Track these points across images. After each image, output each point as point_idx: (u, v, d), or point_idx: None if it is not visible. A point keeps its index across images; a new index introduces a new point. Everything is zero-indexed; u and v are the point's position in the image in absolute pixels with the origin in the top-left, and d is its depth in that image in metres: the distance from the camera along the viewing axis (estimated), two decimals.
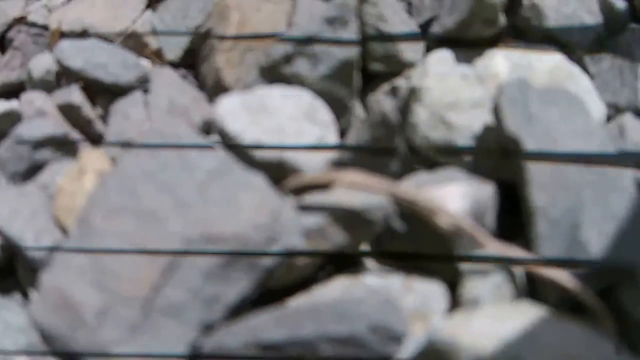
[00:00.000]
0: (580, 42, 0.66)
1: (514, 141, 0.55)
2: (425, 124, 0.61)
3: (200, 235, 0.50)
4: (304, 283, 0.55)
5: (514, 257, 0.51)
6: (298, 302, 0.52)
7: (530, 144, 0.54)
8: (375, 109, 0.57)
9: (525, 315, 0.48)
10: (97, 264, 0.50)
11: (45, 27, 0.82)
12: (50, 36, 0.79)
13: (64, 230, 0.60)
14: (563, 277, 0.50)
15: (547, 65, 0.63)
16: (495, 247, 0.51)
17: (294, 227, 0.52)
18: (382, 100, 0.58)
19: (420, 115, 0.62)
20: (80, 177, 0.61)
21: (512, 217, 0.57)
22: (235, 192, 0.53)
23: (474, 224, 0.52)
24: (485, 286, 0.52)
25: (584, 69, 0.66)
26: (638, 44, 0.66)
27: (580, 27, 0.66)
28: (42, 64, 0.76)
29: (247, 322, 0.50)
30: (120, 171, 0.54)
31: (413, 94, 0.63)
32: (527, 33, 0.67)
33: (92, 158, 0.63)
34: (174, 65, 0.76)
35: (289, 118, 0.60)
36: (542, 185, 0.53)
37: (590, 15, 0.67)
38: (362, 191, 0.54)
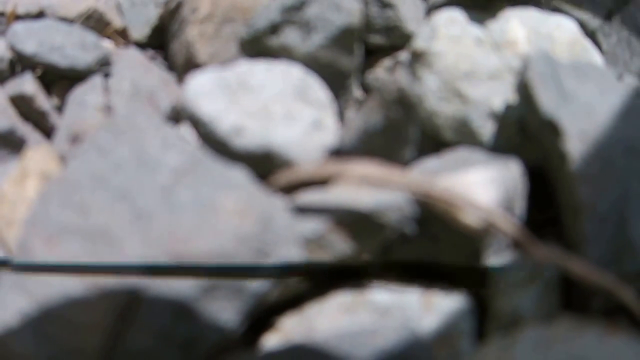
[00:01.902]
0: (592, 16, 0.63)
1: (550, 123, 0.50)
2: (436, 95, 0.56)
3: (168, 257, 0.42)
4: (297, 299, 0.49)
5: (561, 261, 0.47)
6: (292, 331, 0.47)
7: (569, 126, 0.50)
8: (389, 85, 0.52)
9: (573, 335, 0.45)
10: (40, 307, 0.42)
11: (1, 13, 0.78)
12: (5, 21, 0.76)
13: (8, 249, 0.54)
14: (609, 281, 0.46)
15: (566, 36, 0.60)
16: (537, 248, 0.47)
17: (289, 236, 0.45)
18: (397, 75, 0.56)
19: (430, 84, 0.57)
20: (22, 181, 0.55)
21: (538, 206, 0.53)
22: (211, 194, 0.45)
23: (509, 219, 0.47)
24: (524, 299, 0.47)
25: (596, 43, 0.63)
26: None
27: (591, 2, 0.64)
28: None
29: None
30: (65, 178, 0.46)
31: (420, 58, 0.58)
32: (540, 2, 0.63)
33: (36, 158, 0.57)
34: (141, 45, 0.73)
35: (277, 98, 0.54)
36: (587, 177, 0.48)
37: None
38: (372, 187, 0.48)
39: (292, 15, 0.60)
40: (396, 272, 0.49)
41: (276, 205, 0.46)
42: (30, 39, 0.68)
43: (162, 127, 0.49)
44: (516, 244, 0.48)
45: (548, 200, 0.52)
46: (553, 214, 0.52)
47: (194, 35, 0.66)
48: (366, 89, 0.63)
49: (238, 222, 0.44)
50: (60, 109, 0.67)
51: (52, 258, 0.43)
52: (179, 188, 0.45)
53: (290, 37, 0.60)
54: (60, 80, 0.68)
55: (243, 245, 0.43)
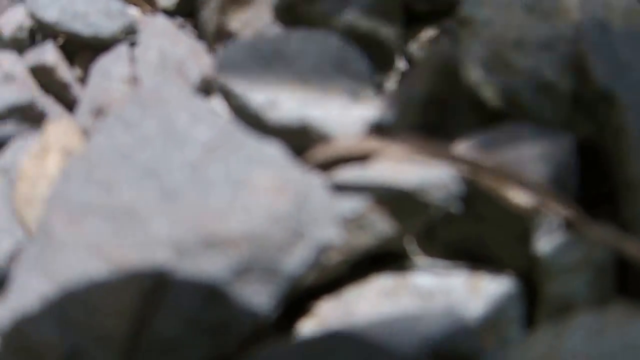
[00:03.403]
0: None
1: (606, 95, 0.49)
2: (483, 65, 0.55)
3: (197, 239, 0.41)
4: (334, 283, 0.49)
5: (616, 242, 0.45)
6: (329, 316, 0.46)
7: (626, 98, 0.49)
8: (434, 55, 0.52)
9: (628, 323, 0.43)
10: (62, 292, 0.40)
11: None
12: None
13: (27, 229, 0.53)
14: None
15: (622, 3, 0.58)
16: (591, 229, 0.45)
17: (326, 215, 0.44)
18: (444, 42, 0.54)
19: (477, 54, 0.55)
20: (43, 157, 0.55)
21: (591, 184, 0.52)
22: (244, 170, 0.43)
23: (562, 197, 0.46)
24: (577, 283, 0.46)
25: None
26: None
27: None
28: (14, 19, 0.73)
29: (266, 356, 0.42)
30: (89, 153, 0.45)
31: (466, 26, 0.56)
32: None
33: (57, 132, 0.56)
34: (169, 13, 0.73)
35: (313, 69, 0.53)
36: None
37: None
38: (415, 163, 0.48)
39: None
40: (441, 253, 0.49)
41: (313, 183, 0.45)
42: (51, 6, 0.67)
43: (191, 100, 0.48)
44: (568, 224, 0.46)
45: (602, 177, 0.51)
46: (608, 192, 0.51)
47: (225, 1, 0.65)
48: (409, 59, 0.62)
49: (272, 200, 0.43)
50: (83, 80, 0.67)
51: (73, 239, 0.42)
52: (209, 164, 0.44)
53: (326, 4, 0.59)
54: (83, 49, 0.68)
55: (277, 225, 0.42)
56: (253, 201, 0.42)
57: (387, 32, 0.60)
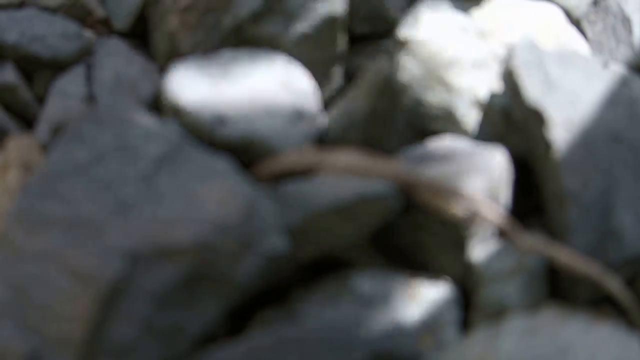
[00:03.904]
0: (577, 4, 0.63)
1: (536, 112, 0.51)
2: (419, 83, 0.56)
3: (150, 249, 0.42)
4: (280, 288, 0.49)
5: (546, 250, 0.48)
6: (276, 321, 0.47)
7: (554, 114, 0.50)
8: (374, 74, 0.53)
9: (559, 325, 0.46)
10: (21, 297, 0.42)
11: None
12: None
13: None
14: (594, 270, 0.47)
15: (551, 24, 0.60)
16: (523, 238, 0.48)
17: (273, 226, 0.45)
18: (384, 61, 0.54)
19: (413, 72, 0.56)
20: (4, 172, 0.55)
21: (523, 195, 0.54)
22: (193, 183, 0.45)
23: (495, 208, 0.48)
24: (510, 289, 0.48)
25: (581, 31, 0.63)
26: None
27: None
28: None
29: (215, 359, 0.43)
30: (48, 168, 0.46)
31: (403, 46, 0.57)
32: None
33: (18, 148, 0.57)
34: (123, 35, 0.72)
35: (259, 87, 0.54)
36: (573, 166, 0.49)
37: None
38: (356, 176, 0.48)
39: (274, 3, 0.60)
40: (382, 260, 0.50)
41: (260, 195, 0.46)
42: (12, 28, 0.67)
43: (143, 117, 0.49)
44: (501, 233, 0.48)
45: (533, 189, 0.52)
46: (538, 203, 0.52)
47: (176, 24, 0.65)
48: (350, 77, 0.63)
49: (221, 211, 0.44)
50: (42, 99, 0.67)
51: (34, 248, 0.43)
52: (161, 178, 0.45)
53: (273, 26, 0.60)
54: (42, 70, 0.68)
55: (226, 235, 0.43)
56: (202, 212, 0.43)
57: (329, 52, 0.61)
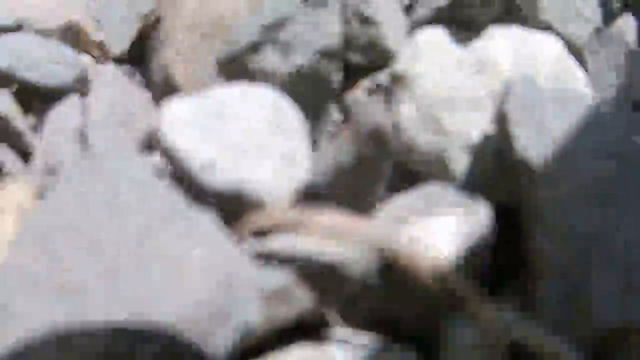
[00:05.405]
0: (579, 34, 0.62)
1: (525, 163, 0.48)
2: (413, 125, 0.55)
3: (132, 325, 0.41)
4: (256, 350, 0.47)
5: (506, 326, 0.46)
6: None
7: (544, 168, 0.48)
8: (364, 117, 0.51)
9: None
10: None
11: None
12: None
13: None
14: (558, 348, 0.45)
15: (550, 56, 0.58)
16: (486, 312, 0.46)
17: (251, 293, 0.43)
18: (373, 106, 0.55)
19: (407, 113, 0.55)
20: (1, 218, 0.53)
21: (510, 248, 0.52)
22: (179, 247, 0.44)
23: (462, 279, 0.46)
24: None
25: (582, 63, 0.62)
26: (631, 31, 0.63)
27: (578, 18, 0.62)
28: None
29: None
30: (40, 221, 0.45)
31: (399, 82, 0.56)
32: (527, 20, 0.61)
33: (13, 191, 0.55)
34: (121, 60, 0.71)
35: (250, 128, 0.52)
36: (554, 227, 0.47)
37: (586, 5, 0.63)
38: (337, 239, 0.47)
39: (271, 34, 0.58)
40: (359, 324, 0.49)
41: (242, 260, 0.45)
42: (6, 54, 0.66)
43: (136, 166, 0.48)
44: (465, 306, 0.47)
45: (518, 244, 0.51)
46: (520, 261, 0.50)
47: (171, 55, 0.65)
48: (345, 111, 0.62)
49: (200, 283, 0.43)
50: (36, 128, 0.66)
51: (32, 317, 0.41)
52: (149, 240, 0.44)
53: (269, 58, 0.58)
54: (36, 97, 0.67)
55: (203, 309, 0.42)
56: (185, 282, 0.42)
57: (324, 84, 0.59)
